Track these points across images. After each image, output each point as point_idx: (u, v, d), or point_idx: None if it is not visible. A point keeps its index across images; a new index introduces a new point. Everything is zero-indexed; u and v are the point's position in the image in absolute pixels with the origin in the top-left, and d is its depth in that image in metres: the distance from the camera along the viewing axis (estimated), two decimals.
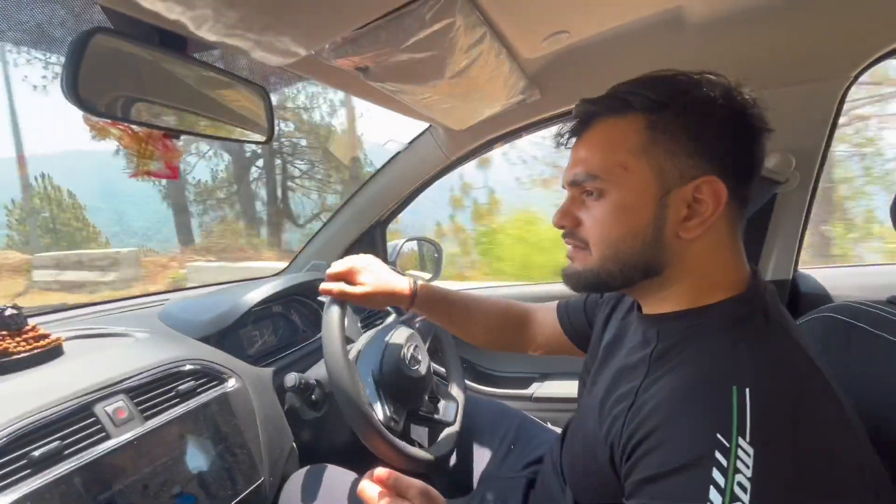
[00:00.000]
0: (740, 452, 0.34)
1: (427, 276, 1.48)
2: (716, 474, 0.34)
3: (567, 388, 1.26)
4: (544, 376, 1.32)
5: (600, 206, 0.48)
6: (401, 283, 0.76)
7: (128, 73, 0.52)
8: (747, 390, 0.36)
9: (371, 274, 0.74)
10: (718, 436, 0.35)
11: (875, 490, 0.36)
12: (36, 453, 0.52)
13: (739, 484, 0.33)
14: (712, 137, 0.44)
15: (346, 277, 0.74)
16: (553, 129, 1.00)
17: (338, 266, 0.74)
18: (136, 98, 0.55)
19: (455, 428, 0.85)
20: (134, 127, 0.55)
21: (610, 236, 0.47)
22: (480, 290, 1.50)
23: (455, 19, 0.63)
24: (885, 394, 0.46)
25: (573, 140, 0.52)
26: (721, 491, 0.33)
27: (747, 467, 0.33)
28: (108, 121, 0.53)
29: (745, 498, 0.33)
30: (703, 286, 0.47)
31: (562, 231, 0.53)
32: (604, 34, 0.82)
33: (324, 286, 0.72)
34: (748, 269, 0.48)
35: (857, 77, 0.84)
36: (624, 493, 0.42)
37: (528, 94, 0.99)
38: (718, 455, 0.34)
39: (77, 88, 0.44)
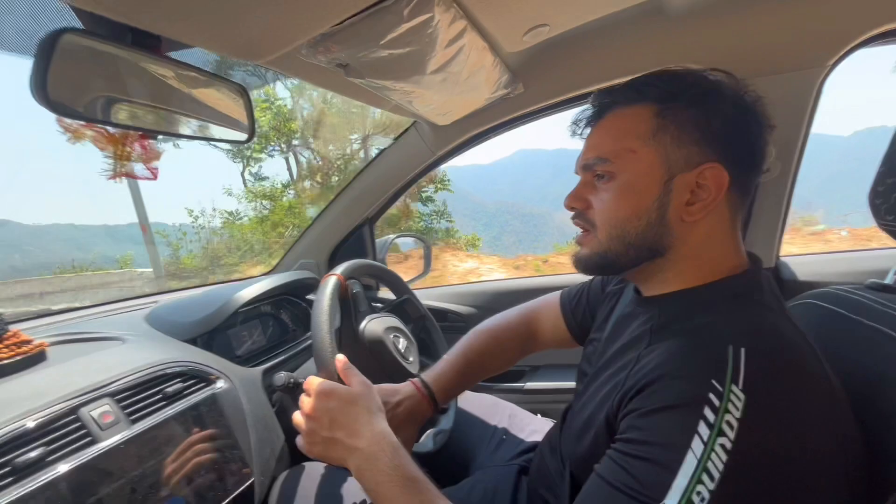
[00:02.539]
0: (732, 397, 0.37)
1: (417, 273, 1.48)
2: (706, 412, 0.37)
3: (558, 379, 1.28)
4: (535, 369, 1.33)
5: (609, 188, 0.50)
6: (417, 404, 0.70)
7: (101, 74, 0.51)
8: (742, 349, 0.39)
9: (403, 422, 0.67)
10: (713, 381, 0.38)
11: (850, 463, 0.38)
12: (20, 460, 0.51)
13: (728, 422, 0.36)
14: (717, 128, 0.47)
15: None
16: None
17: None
18: (111, 99, 0.54)
19: (446, 425, 0.86)
20: (109, 128, 0.54)
21: (616, 216, 0.50)
22: (484, 284, 1.50)
23: (434, 14, 0.63)
24: (862, 379, 0.47)
25: (588, 130, 0.55)
26: (710, 426, 0.36)
27: (737, 409, 0.36)
28: (83, 123, 0.52)
29: (731, 434, 0.35)
30: (704, 269, 0.49)
31: (572, 213, 0.55)
32: (584, 27, 0.82)
33: None
34: (745, 255, 0.51)
35: (834, 66, 0.85)
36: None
37: (511, 88, 0.99)
38: (712, 396, 0.37)
39: (46, 90, 0.43)
